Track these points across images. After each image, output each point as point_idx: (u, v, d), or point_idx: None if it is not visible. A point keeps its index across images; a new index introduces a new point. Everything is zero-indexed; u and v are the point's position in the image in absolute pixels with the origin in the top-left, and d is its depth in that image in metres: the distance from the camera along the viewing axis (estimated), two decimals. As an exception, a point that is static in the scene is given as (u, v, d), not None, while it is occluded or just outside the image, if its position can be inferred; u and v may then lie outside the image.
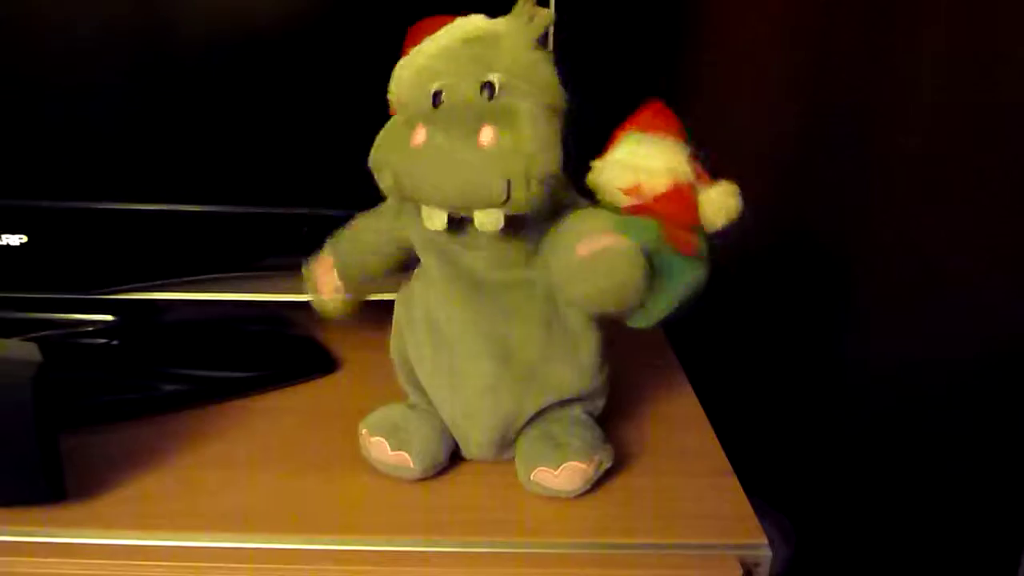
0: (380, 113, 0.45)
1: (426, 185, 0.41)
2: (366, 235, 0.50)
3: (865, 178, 0.79)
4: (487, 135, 0.39)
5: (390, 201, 0.48)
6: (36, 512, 0.43)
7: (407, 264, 0.50)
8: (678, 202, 0.44)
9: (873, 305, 0.82)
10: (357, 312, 0.53)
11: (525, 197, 0.40)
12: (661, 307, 0.43)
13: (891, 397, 0.85)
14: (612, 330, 0.48)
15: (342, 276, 0.51)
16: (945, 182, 0.78)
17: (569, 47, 0.54)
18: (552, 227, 0.44)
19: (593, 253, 0.42)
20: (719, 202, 0.44)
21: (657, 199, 0.44)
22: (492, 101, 0.42)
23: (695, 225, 0.44)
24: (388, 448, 0.46)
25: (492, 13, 0.45)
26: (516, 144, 0.40)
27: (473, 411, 0.46)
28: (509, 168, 0.39)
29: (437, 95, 0.42)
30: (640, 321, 0.44)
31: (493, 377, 0.45)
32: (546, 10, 0.44)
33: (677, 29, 0.75)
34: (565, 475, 0.45)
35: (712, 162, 0.46)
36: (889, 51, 0.75)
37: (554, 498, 0.46)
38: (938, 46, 0.74)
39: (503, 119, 0.40)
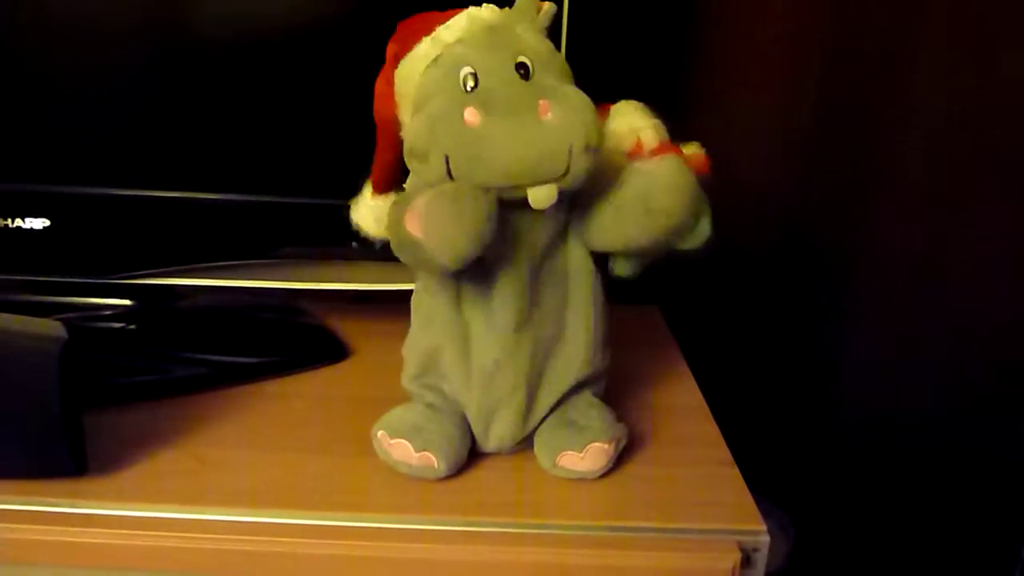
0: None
1: (489, 163, 0.40)
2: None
3: (867, 180, 0.80)
4: (546, 108, 0.40)
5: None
6: (58, 484, 0.44)
7: None
8: (671, 150, 0.46)
9: (876, 303, 0.83)
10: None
11: (583, 167, 0.41)
12: (706, 226, 0.46)
13: (891, 395, 0.85)
14: (615, 324, 0.49)
15: None
16: (946, 185, 0.79)
17: (577, 48, 0.56)
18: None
19: (656, 162, 0.43)
20: (696, 155, 0.48)
21: (653, 151, 0.46)
22: (531, 81, 0.42)
23: None
24: (412, 449, 0.46)
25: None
26: (574, 115, 0.40)
27: (499, 409, 0.47)
28: (572, 137, 0.40)
29: (471, 80, 0.42)
30: (693, 241, 0.46)
31: (520, 376, 0.46)
32: (550, 3, 0.46)
33: (683, 37, 0.76)
34: (590, 456, 0.46)
35: (718, 163, 0.49)
36: (890, 61, 0.76)
37: (561, 482, 0.47)
38: (938, 52, 0.75)
39: (551, 94, 0.41)
